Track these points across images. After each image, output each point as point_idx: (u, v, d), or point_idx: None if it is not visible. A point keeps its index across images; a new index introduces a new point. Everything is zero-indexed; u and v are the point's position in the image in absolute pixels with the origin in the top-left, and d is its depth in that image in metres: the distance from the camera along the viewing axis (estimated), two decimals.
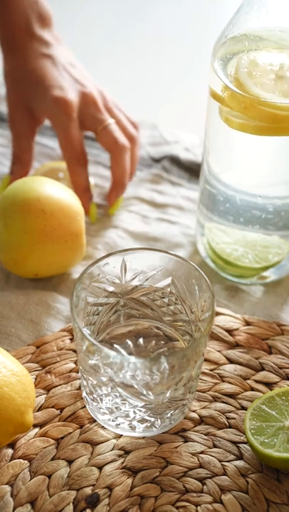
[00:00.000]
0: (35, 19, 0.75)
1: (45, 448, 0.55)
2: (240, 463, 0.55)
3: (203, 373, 0.60)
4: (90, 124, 0.74)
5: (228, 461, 0.55)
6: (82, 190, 0.73)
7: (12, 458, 0.54)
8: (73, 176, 0.73)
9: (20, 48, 0.74)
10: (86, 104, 0.73)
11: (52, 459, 0.54)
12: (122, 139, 0.73)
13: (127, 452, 0.55)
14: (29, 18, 0.74)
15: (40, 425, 0.56)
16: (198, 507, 0.52)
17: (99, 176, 0.80)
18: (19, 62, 0.74)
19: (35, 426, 0.56)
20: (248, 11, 0.56)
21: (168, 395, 0.52)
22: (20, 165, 0.75)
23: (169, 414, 0.54)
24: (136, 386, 0.51)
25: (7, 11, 0.74)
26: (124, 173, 0.74)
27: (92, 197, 0.74)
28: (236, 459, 0.55)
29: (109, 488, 0.53)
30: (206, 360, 0.61)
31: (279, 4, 0.55)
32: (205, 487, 0.53)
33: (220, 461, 0.55)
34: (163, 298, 0.58)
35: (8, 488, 0.53)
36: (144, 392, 0.51)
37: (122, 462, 0.54)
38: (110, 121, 0.74)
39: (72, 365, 0.60)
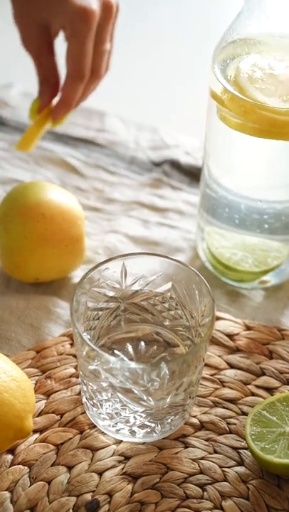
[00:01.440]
0: None
1: (45, 454, 0.55)
2: (240, 469, 0.54)
3: (204, 378, 0.60)
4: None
5: (228, 467, 0.55)
6: (71, 105, 0.69)
7: (12, 464, 0.54)
8: (71, 91, 0.68)
9: None
10: (104, 17, 0.67)
11: (52, 465, 0.54)
12: (103, 70, 0.69)
13: (127, 458, 0.55)
14: None
15: (40, 431, 0.56)
16: None
17: (99, 180, 0.79)
18: None
19: (35, 431, 0.56)
20: (248, 16, 0.56)
21: (168, 400, 0.52)
22: (48, 85, 0.70)
23: (169, 420, 0.54)
24: (136, 392, 0.50)
25: None
26: (74, 98, 0.69)
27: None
28: (237, 465, 0.55)
29: (110, 494, 0.53)
30: (206, 365, 0.61)
31: (279, 10, 0.55)
32: (205, 493, 0.53)
33: (220, 467, 0.55)
34: (163, 303, 0.58)
35: (7, 494, 0.53)
36: (145, 398, 0.51)
37: (122, 468, 0.54)
38: (107, 48, 0.69)
39: (73, 370, 0.60)
